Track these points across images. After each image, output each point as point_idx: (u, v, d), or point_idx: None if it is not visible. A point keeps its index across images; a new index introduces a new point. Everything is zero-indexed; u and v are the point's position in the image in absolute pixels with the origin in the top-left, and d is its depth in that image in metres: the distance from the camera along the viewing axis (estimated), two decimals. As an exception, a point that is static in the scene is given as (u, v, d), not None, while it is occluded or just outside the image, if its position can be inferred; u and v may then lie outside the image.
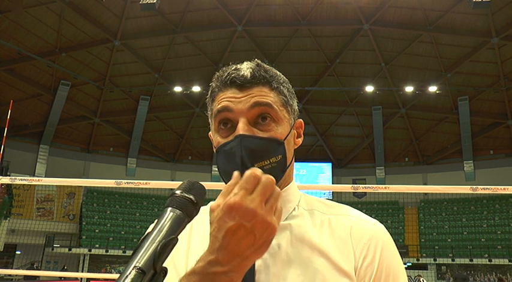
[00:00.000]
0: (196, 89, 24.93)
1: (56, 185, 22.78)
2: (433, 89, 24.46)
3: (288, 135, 0.92)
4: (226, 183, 0.90)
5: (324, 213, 0.94)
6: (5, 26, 20.90)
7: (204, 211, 0.96)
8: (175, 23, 23.45)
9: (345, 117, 28.23)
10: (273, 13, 23.30)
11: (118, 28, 23.13)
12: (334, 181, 27.85)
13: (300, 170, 28.21)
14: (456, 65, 24.14)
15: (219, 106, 0.92)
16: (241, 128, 0.87)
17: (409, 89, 24.71)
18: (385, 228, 0.92)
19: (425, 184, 25.80)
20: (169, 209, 0.74)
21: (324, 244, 0.87)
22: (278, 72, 0.97)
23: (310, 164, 28.11)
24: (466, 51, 23.62)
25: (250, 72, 0.91)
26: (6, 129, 9.39)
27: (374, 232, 0.89)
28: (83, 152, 26.84)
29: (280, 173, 0.91)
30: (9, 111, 9.19)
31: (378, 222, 0.92)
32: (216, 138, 0.93)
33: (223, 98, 0.92)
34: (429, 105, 26.04)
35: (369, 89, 25.04)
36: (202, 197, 0.80)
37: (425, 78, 24.83)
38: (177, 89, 25.25)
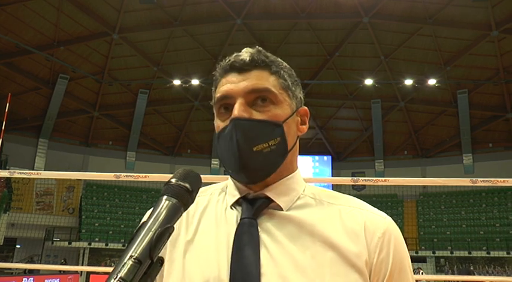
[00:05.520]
0: (195, 82, 24.88)
1: (55, 179, 22.78)
2: (432, 82, 24.42)
3: (288, 118, 0.91)
4: (226, 170, 0.91)
5: (333, 203, 0.91)
6: (2, 19, 20.79)
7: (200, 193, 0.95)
8: (174, 16, 23.34)
9: (344, 110, 28.22)
10: (272, 6, 23.20)
11: (116, 21, 23.02)
12: (334, 175, 27.88)
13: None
14: (455, 58, 24.09)
15: (219, 91, 0.92)
16: (237, 108, 0.87)
17: (408, 82, 24.67)
18: (394, 222, 0.91)
19: (424, 177, 25.85)
20: (165, 197, 0.74)
21: (334, 236, 0.84)
22: (280, 60, 0.97)
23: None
24: (466, 44, 23.55)
25: (249, 56, 0.92)
26: (4, 123, 9.37)
27: (387, 226, 0.88)
28: (82, 146, 26.82)
29: (280, 156, 0.90)
30: (7, 104, 9.17)
31: (387, 215, 0.91)
32: (217, 123, 0.93)
33: (223, 83, 0.92)
34: (428, 99, 26.01)
35: (368, 82, 25.01)
36: (198, 186, 0.80)
37: (424, 71, 24.78)
38: (176, 82, 25.19)
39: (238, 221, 0.87)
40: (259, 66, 0.91)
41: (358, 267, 0.81)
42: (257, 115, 0.88)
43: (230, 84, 0.90)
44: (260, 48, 0.95)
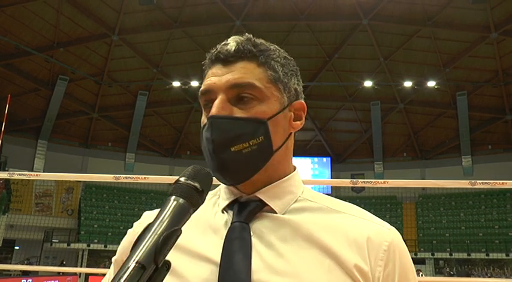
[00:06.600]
0: (194, 84, 24.85)
1: (55, 180, 22.74)
2: (431, 84, 24.44)
3: (275, 114, 0.83)
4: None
5: (333, 209, 0.85)
6: (1, 21, 20.78)
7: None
8: (173, 17, 23.35)
9: (343, 112, 28.22)
10: (271, 8, 23.21)
11: (116, 23, 23.02)
12: (333, 176, 27.89)
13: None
14: (455, 60, 24.10)
15: (203, 85, 0.86)
16: (216, 106, 0.81)
17: (407, 84, 24.68)
18: (398, 232, 0.85)
19: (423, 179, 25.83)
20: (173, 197, 0.69)
21: (334, 244, 0.78)
22: (273, 48, 0.90)
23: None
24: (465, 46, 23.57)
25: (235, 46, 0.85)
26: (4, 124, 9.37)
27: (392, 238, 0.82)
28: (81, 147, 26.79)
29: (264, 156, 0.82)
30: (7, 106, 9.17)
31: (391, 226, 0.85)
32: (202, 118, 0.87)
33: (209, 75, 0.86)
34: (427, 100, 26.02)
35: (368, 84, 25.01)
36: (209, 185, 0.75)
37: (423, 73, 24.79)
38: (176, 84, 25.18)
39: (229, 225, 0.81)
40: (245, 57, 0.84)
41: (357, 279, 0.76)
42: (238, 112, 0.81)
43: (214, 77, 0.84)
44: (250, 36, 0.89)
